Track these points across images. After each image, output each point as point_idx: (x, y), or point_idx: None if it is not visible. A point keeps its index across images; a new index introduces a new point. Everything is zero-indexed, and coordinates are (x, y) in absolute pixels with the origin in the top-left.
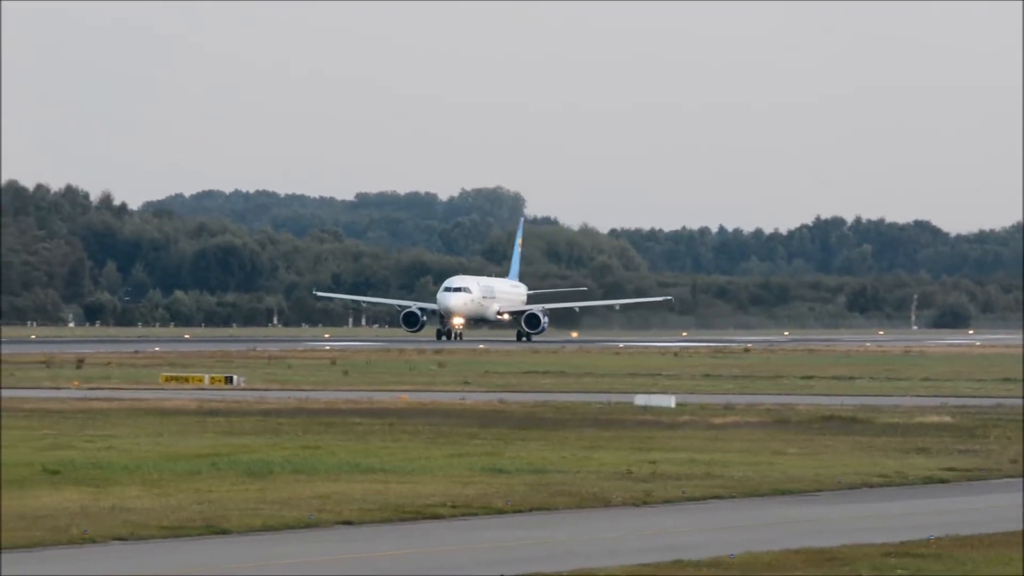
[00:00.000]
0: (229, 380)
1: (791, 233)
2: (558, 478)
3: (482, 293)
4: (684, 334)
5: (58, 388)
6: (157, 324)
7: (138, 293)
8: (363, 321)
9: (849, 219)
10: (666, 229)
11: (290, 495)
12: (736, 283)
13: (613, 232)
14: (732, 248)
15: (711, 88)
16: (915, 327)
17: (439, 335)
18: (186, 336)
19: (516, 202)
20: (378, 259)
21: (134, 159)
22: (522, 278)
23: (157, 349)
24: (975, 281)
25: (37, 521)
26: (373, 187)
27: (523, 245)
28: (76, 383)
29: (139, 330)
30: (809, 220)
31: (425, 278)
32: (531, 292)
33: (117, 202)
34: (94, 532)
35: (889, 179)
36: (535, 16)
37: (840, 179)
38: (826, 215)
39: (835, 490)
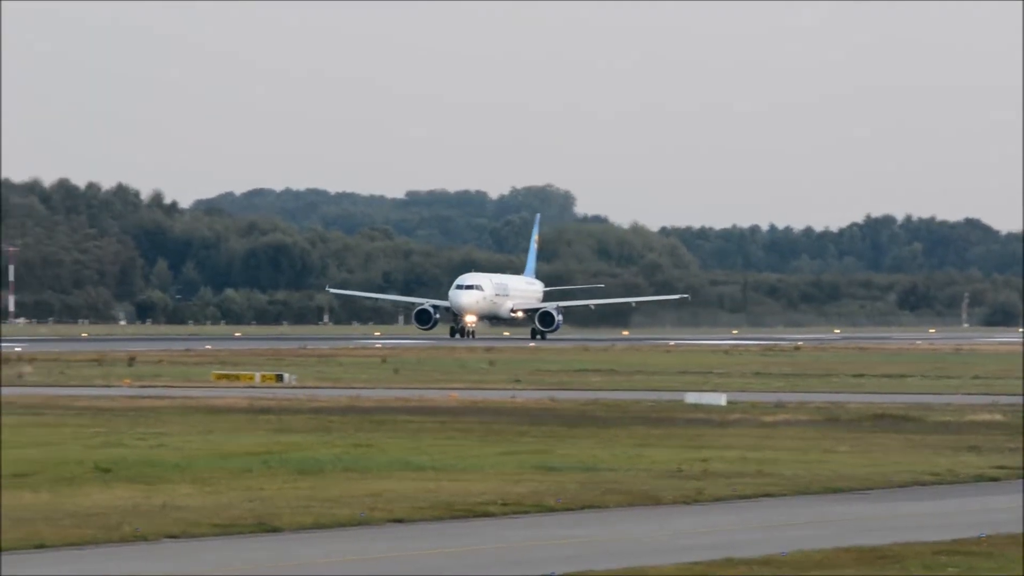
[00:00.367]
0: (280, 378)
1: (841, 231)
2: (609, 476)
3: (495, 291)
4: (735, 332)
5: (110, 386)
6: (208, 322)
7: (189, 291)
8: (412, 320)
9: (900, 217)
10: (716, 227)
11: (341, 493)
12: (786, 281)
13: (663, 230)
14: (783, 246)
15: (761, 89)
16: (966, 325)
17: (452, 333)
18: (237, 334)
19: (566, 200)
20: (429, 257)
21: (185, 159)
22: (571, 276)
23: (208, 347)
24: None
25: (88, 519)
26: (423, 185)
27: (572, 243)
28: (128, 381)
29: (190, 328)
30: (859, 219)
31: None
32: (546, 289)
33: (168, 200)
34: (145, 530)
35: (939, 177)
36: (585, 17)
37: (889, 176)
38: (876, 214)
39: (886, 488)
